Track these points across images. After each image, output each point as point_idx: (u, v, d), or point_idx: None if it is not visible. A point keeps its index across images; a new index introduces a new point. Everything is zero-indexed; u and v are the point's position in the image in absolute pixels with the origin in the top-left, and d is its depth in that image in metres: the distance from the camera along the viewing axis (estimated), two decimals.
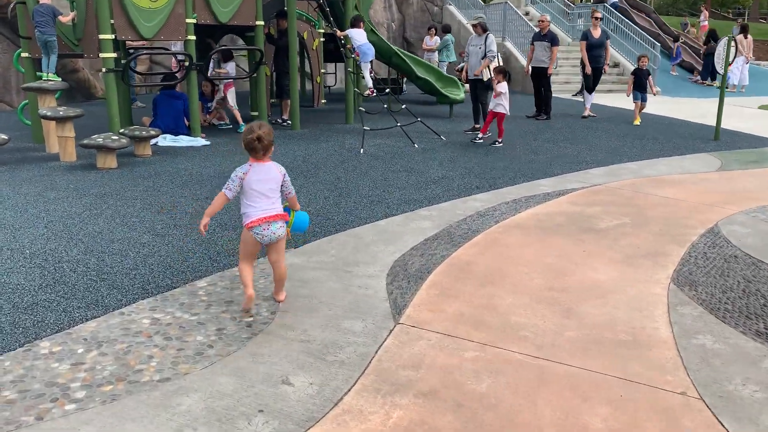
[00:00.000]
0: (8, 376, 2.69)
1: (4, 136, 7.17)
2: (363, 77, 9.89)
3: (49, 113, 7.34)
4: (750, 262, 4.23)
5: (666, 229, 4.92)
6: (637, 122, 10.99)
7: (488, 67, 9.51)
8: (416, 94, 14.91)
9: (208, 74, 9.69)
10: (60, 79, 8.35)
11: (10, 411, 2.46)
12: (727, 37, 9.70)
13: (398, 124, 9.08)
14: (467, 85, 14.23)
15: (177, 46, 11.47)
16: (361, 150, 8.23)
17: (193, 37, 8.62)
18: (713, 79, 18.91)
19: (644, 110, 11.28)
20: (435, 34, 16.49)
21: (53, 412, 2.45)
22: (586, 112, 11.56)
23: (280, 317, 3.31)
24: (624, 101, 14.44)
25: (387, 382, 2.69)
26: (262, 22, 9.50)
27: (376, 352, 2.94)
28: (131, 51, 9.68)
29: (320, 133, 9.71)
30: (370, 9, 14.18)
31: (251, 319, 3.29)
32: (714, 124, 9.85)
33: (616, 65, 17.77)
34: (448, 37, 16.23)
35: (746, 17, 41.24)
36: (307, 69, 13.52)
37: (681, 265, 4.18)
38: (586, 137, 9.65)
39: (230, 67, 9.74)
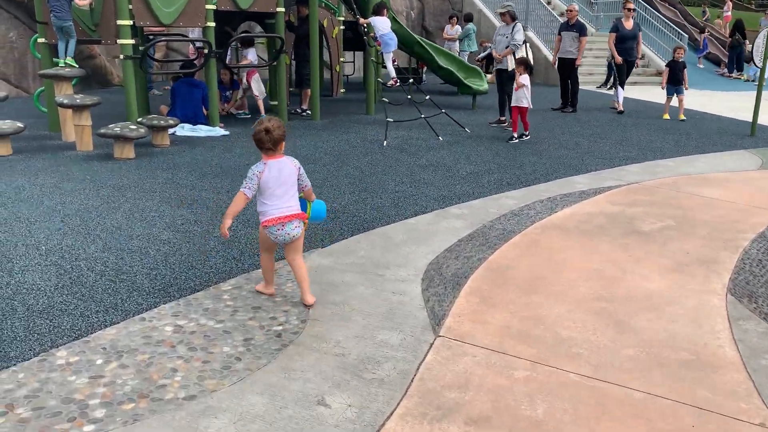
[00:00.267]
0: (23, 389, 2.48)
1: (20, 125, 6.98)
2: (385, 67, 9.60)
3: (66, 101, 7.15)
4: None
5: (714, 233, 4.63)
6: (666, 117, 10.60)
7: (513, 56, 9.18)
8: (436, 84, 14.60)
9: (226, 62, 9.45)
10: (77, 66, 8.15)
11: None
12: (766, 30, 9.31)
13: (422, 116, 8.80)
14: (489, 75, 13.92)
15: (194, 33, 11.25)
16: (385, 142, 7.97)
17: (213, 24, 8.37)
18: (740, 71, 18.40)
19: (673, 104, 10.82)
20: (456, 23, 16.12)
21: None
22: (619, 107, 11.15)
23: (310, 326, 3.08)
24: (650, 94, 14.07)
25: (432, 405, 2.45)
26: (283, 9, 9.23)
27: (418, 369, 2.71)
28: (150, 37, 9.46)
29: (341, 124, 9.45)
30: None
31: (280, 328, 3.06)
32: (747, 119, 9.48)
33: (641, 57, 17.32)
34: (470, 26, 15.86)
35: None
36: (326, 57, 13.25)
37: (736, 273, 3.90)
38: (615, 131, 9.32)
39: (251, 55, 9.49)
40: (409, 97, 9.23)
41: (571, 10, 10.83)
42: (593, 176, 6.43)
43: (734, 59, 18.56)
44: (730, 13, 25.48)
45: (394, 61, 9.62)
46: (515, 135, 8.31)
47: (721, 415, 2.45)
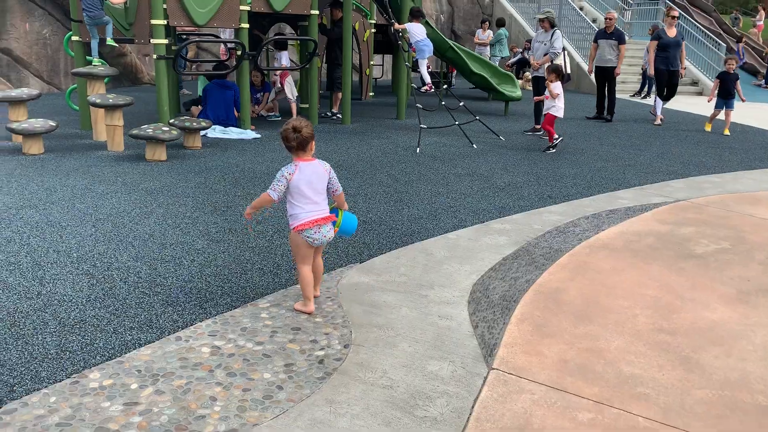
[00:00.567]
0: (54, 417, 2.34)
1: (52, 123, 6.93)
2: (418, 71, 9.42)
3: (98, 100, 7.08)
4: None
5: None
6: (708, 128, 10.25)
7: (550, 63, 8.94)
8: (465, 89, 14.39)
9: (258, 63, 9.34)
10: (106, 63, 8.09)
11: None
12: None
13: (456, 122, 8.60)
14: (519, 81, 13.65)
15: (225, 34, 11.17)
16: (418, 149, 7.78)
17: (247, 25, 8.27)
18: None
19: (719, 117, 10.44)
20: (488, 28, 15.89)
21: None
22: (658, 120, 10.82)
23: (354, 352, 2.91)
24: (687, 105, 13.69)
25: None
26: (317, 12, 9.10)
27: (473, 407, 2.51)
28: (183, 37, 9.40)
29: (371, 129, 9.29)
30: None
31: (322, 353, 2.89)
32: None
33: (685, 67, 16.90)
34: (502, 31, 15.62)
35: None
36: (355, 60, 13.11)
37: None
38: (654, 143, 9.03)
39: (284, 58, 9.37)
40: (443, 103, 9.04)
41: (610, 18, 10.52)
42: (637, 191, 6.18)
43: None
44: (762, 22, 24.84)
45: (428, 67, 9.44)
46: (551, 144, 8.06)
47: None
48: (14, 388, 2.53)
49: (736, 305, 3.60)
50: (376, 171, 6.65)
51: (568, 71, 9.28)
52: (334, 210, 3.36)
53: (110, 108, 7.07)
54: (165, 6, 7.40)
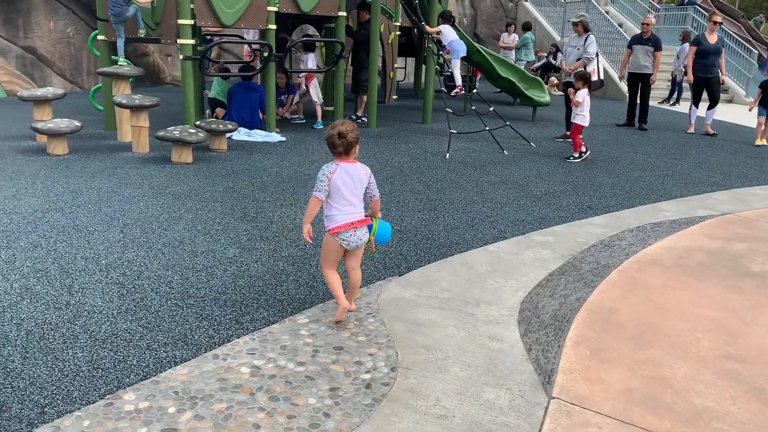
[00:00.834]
0: None
1: (77, 123, 6.82)
2: (449, 74, 9.23)
3: (124, 101, 6.96)
4: None
5: None
6: (762, 142, 9.63)
7: (584, 69, 8.70)
8: (488, 93, 14.16)
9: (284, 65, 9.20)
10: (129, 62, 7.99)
11: None
12: None
13: (486, 128, 8.39)
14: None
15: (249, 35, 11.04)
16: (447, 155, 7.59)
17: (274, 27, 8.12)
18: None
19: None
20: (513, 31, 15.66)
21: None
22: (691, 129, 10.51)
23: (403, 376, 2.72)
24: (723, 113, 13.34)
25: None
26: (345, 13, 8.93)
27: None
28: (208, 38, 9.28)
29: (397, 133, 9.11)
30: None
31: (368, 376, 2.70)
32: None
33: (725, 74, 16.54)
34: (528, 35, 15.38)
35: None
36: (380, 63, 12.93)
37: None
38: (690, 152, 8.76)
39: (311, 60, 9.22)
40: (473, 107, 8.84)
41: (647, 24, 10.20)
42: (680, 203, 5.93)
43: None
44: None
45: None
46: (575, 155, 7.81)
47: None
48: (45, 409, 2.37)
49: None
50: (406, 177, 6.47)
51: (601, 77, 9.03)
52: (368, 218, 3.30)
53: (136, 109, 6.95)
54: (192, 6, 7.27)
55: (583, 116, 7.70)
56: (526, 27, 15.58)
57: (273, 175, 6.26)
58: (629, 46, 10.42)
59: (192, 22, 7.30)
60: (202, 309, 3.28)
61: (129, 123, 7.27)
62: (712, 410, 2.58)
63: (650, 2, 20.18)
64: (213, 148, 7.24)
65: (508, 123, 8.75)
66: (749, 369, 2.93)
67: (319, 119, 9.24)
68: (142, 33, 7.73)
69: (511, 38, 15.44)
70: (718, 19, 9.97)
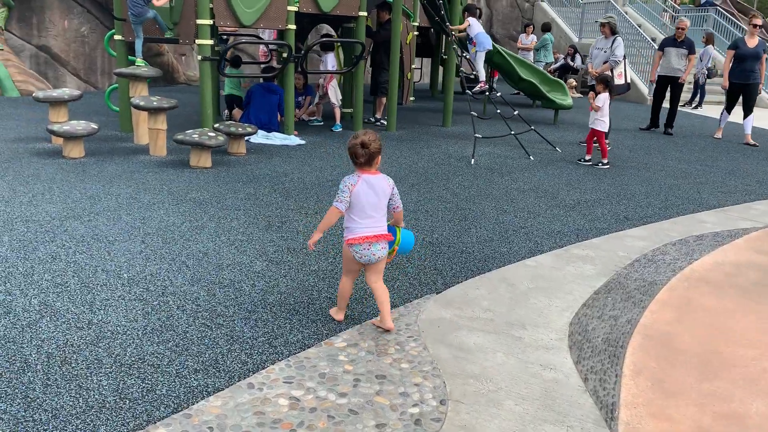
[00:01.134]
0: None
1: (94, 126, 6.64)
2: (470, 74, 9.02)
3: (142, 103, 6.78)
4: None
5: None
6: None
7: (611, 72, 8.45)
8: (506, 94, 13.90)
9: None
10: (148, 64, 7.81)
11: None
12: None
13: (512, 132, 8.17)
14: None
15: (265, 35, 10.85)
16: (472, 160, 7.36)
17: (294, 27, 7.92)
18: None
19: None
20: (532, 32, 15.40)
21: None
22: (718, 133, 10.18)
23: (453, 411, 2.50)
24: (755, 118, 12.98)
25: None
26: (365, 13, 8.73)
27: None
28: (224, 38, 9.10)
29: (418, 137, 8.89)
30: None
31: (416, 410, 2.49)
32: None
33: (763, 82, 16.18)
34: (547, 36, 15.11)
35: None
36: None
37: None
38: (720, 158, 8.49)
39: (329, 61, 9.02)
40: (498, 111, 8.61)
41: (682, 28, 9.86)
42: (720, 214, 5.69)
43: None
44: None
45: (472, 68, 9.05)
46: (587, 157, 7.56)
47: None
48: None
49: None
50: (431, 184, 6.25)
51: (628, 80, 8.78)
52: (391, 228, 3.20)
53: (154, 111, 6.77)
54: (211, 5, 7.09)
55: (602, 121, 7.45)
56: (546, 28, 15.32)
57: (295, 180, 6.06)
58: (660, 48, 10.11)
59: (211, 22, 7.12)
60: (232, 330, 3.08)
61: (146, 125, 7.10)
62: None
63: (671, 3, 19.86)
64: (231, 152, 7.05)
65: (533, 127, 8.52)
66: None
67: (338, 121, 9.04)
68: (169, 34, 7.54)
69: (529, 39, 15.18)
70: (759, 21, 9.41)
